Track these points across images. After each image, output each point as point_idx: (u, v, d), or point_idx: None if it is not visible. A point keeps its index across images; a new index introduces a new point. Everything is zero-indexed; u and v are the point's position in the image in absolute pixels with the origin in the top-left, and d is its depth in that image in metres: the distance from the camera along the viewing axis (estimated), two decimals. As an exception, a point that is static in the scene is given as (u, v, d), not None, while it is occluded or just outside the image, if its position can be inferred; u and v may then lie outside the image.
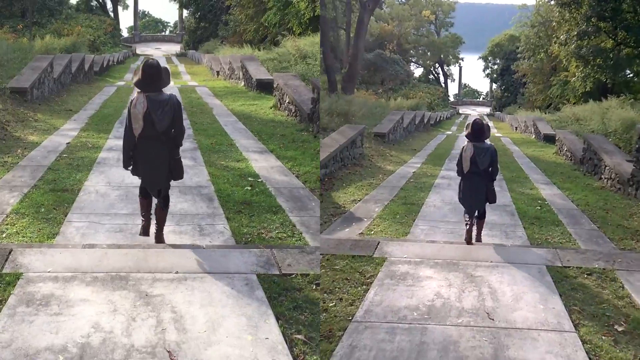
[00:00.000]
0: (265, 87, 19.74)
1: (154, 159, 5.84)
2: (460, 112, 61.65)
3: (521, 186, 12.96)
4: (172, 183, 6.26)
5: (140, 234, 6.23)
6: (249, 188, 8.62)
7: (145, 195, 6.22)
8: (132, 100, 5.73)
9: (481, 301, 5.48)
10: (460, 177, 7.42)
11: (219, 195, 8.21)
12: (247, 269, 5.54)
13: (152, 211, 6.26)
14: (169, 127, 5.72)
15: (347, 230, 8.66)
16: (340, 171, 13.37)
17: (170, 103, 5.67)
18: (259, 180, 9.11)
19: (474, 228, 7.45)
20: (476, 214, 7.47)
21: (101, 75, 30.44)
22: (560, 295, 5.63)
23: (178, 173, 6.05)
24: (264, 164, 10.15)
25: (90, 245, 6.08)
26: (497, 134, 33.11)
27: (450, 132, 34.02)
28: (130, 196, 8.08)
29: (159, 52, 54.62)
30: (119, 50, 45.82)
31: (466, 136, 7.20)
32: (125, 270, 5.37)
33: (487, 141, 7.26)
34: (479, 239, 7.61)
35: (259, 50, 31.39)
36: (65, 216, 7.24)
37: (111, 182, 8.83)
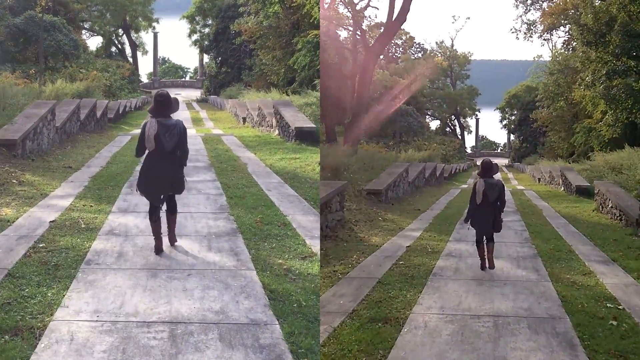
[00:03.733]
0: (306, 137, 16.12)
1: (160, 173, 6.47)
2: (477, 164, 58.15)
3: (568, 269, 8.34)
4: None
5: (155, 253, 6.56)
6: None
7: (154, 218, 6.62)
8: (145, 123, 6.41)
9: None
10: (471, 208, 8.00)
11: None
12: None
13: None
14: (175, 147, 6.41)
15: None
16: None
17: (177, 127, 6.38)
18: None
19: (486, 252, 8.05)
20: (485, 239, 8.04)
21: (116, 122, 27.08)
22: None
23: (179, 187, 6.69)
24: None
25: None
26: (518, 187, 28.70)
27: (466, 186, 29.20)
28: (129, 350, 4.28)
29: (179, 97, 51.37)
30: (137, 95, 42.78)
31: (477, 173, 8.07)
32: None
33: (495, 176, 7.98)
34: (491, 266, 8.02)
35: (287, 94, 28.06)
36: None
37: (101, 309, 5.04)
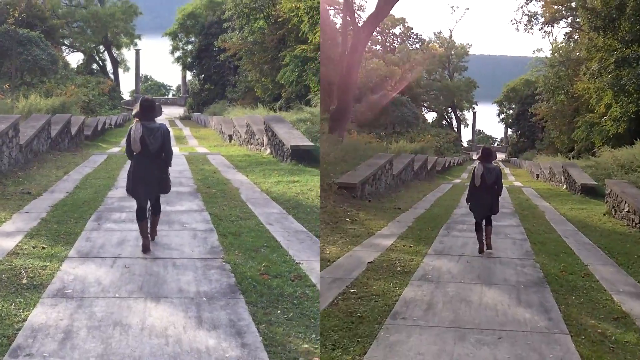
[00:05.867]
0: (303, 157, 13.95)
1: (147, 173, 6.48)
2: (474, 157, 56.13)
3: (590, 305, 5.89)
4: None
5: (142, 251, 6.50)
6: None
7: (141, 217, 6.59)
8: (131, 127, 6.44)
9: None
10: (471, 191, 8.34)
11: None
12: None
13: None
14: (160, 149, 6.46)
15: None
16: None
17: (160, 130, 6.45)
18: None
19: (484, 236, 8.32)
20: (484, 223, 8.33)
21: (94, 140, 24.65)
22: None
23: (165, 188, 6.75)
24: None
25: None
26: (516, 183, 26.07)
27: (459, 180, 26.66)
28: None
29: (162, 115, 49.19)
30: (117, 112, 40.24)
31: (477, 158, 8.40)
32: None
33: (493, 163, 8.37)
34: (489, 246, 8.30)
35: (274, 111, 25.90)
36: None
37: None
